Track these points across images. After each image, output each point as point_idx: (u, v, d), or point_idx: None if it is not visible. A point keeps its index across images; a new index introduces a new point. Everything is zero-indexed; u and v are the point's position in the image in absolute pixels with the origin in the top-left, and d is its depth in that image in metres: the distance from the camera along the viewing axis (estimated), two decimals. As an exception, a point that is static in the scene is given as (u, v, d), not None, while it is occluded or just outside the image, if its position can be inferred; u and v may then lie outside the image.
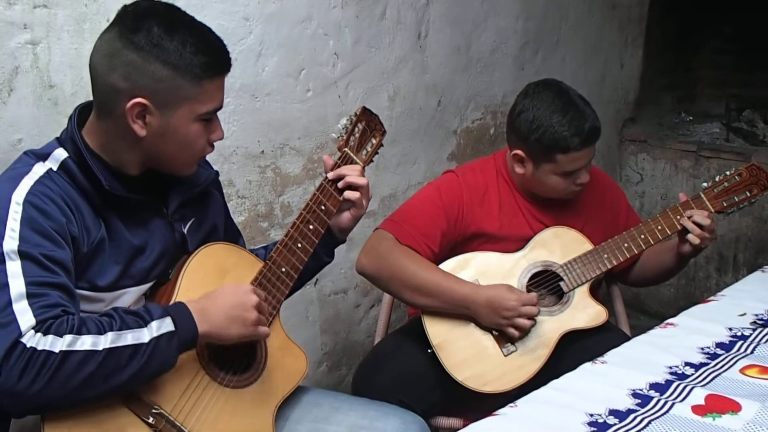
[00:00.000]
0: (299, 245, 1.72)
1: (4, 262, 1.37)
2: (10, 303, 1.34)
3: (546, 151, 2.12)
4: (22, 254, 1.37)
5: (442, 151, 3.13)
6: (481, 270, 2.17)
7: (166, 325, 1.44)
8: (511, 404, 1.52)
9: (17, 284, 1.35)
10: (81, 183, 1.51)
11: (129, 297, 1.59)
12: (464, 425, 1.50)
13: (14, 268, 1.36)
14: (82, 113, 1.59)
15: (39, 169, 1.49)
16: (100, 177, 1.51)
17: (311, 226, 1.74)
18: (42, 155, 1.52)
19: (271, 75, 2.45)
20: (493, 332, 2.12)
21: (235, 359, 1.65)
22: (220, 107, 1.60)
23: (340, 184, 1.80)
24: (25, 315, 1.33)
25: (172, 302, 1.56)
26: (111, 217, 1.54)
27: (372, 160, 1.91)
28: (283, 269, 1.70)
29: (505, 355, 2.11)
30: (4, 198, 1.43)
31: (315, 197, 1.76)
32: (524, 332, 2.09)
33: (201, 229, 1.75)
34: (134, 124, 1.50)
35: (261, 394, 1.67)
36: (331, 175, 1.80)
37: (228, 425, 1.59)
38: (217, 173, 1.80)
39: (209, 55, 1.52)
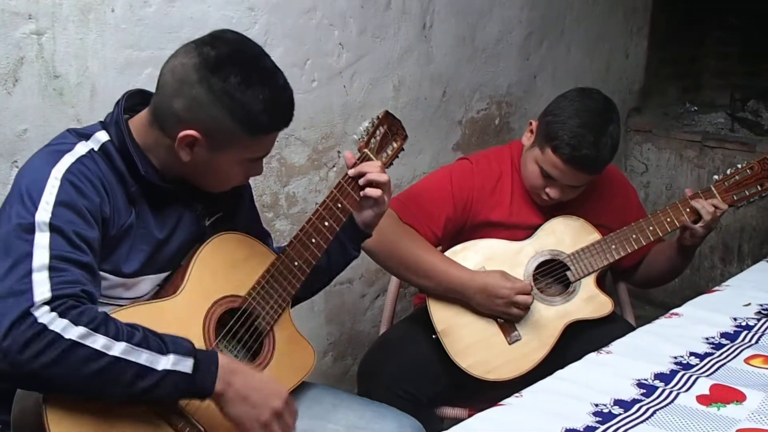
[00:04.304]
0: (313, 240, 1.71)
1: (33, 232, 1.37)
2: (30, 272, 1.33)
3: (543, 137, 2.13)
4: (53, 227, 1.38)
5: (447, 142, 3.13)
6: (487, 256, 2.18)
7: (183, 364, 1.38)
8: (517, 394, 1.52)
9: (41, 255, 1.35)
10: (118, 167, 1.52)
11: (146, 285, 1.59)
12: (469, 415, 1.51)
13: (42, 240, 1.36)
14: (129, 100, 1.60)
15: (81, 149, 1.49)
16: (138, 163, 1.52)
17: (326, 223, 1.72)
18: (84, 135, 1.53)
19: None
20: (498, 320, 2.13)
21: (242, 351, 1.64)
22: (268, 153, 1.64)
23: (361, 181, 1.75)
24: (41, 287, 1.32)
25: (181, 288, 1.56)
26: (142, 205, 1.56)
27: (392, 163, 1.88)
28: (296, 263, 1.69)
29: (510, 344, 2.11)
30: (43, 171, 1.43)
31: (332, 195, 1.74)
32: (518, 318, 2.11)
33: (224, 227, 1.71)
34: (181, 150, 1.52)
35: None
36: (351, 171, 1.75)
37: None
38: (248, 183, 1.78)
39: (275, 116, 1.55)
